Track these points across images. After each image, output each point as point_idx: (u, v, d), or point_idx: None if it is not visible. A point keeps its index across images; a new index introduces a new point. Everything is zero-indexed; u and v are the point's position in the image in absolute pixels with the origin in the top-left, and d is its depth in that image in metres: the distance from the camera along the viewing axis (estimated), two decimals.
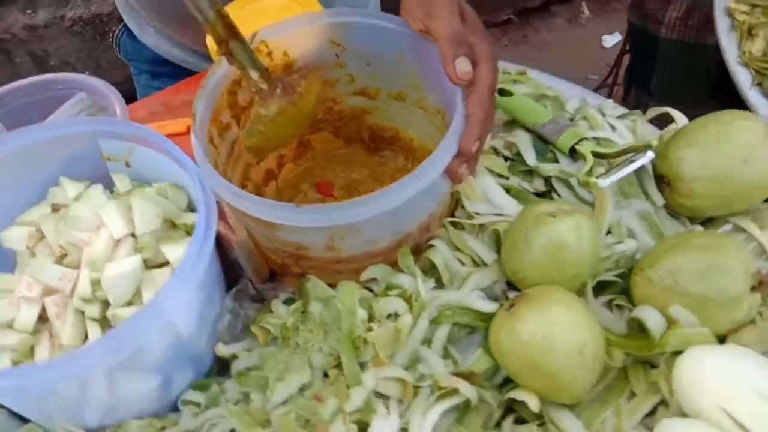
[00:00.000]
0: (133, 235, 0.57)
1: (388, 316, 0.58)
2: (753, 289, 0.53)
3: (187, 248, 0.50)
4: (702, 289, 0.52)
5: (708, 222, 0.65)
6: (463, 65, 0.55)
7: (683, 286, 0.53)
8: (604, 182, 0.61)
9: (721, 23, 0.93)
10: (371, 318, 0.58)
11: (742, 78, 0.85)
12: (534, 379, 0.52)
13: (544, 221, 0.56)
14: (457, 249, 0.63)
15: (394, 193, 0.51)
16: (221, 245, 0.62)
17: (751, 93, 0.83)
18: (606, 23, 2.57)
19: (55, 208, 0.60)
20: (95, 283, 0.54)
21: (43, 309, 0.57)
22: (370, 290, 0.61)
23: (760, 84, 0.84)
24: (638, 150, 0.63)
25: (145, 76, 1.02)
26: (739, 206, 0.62)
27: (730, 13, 0.93)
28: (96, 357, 0.46)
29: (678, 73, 1.24)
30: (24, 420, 0.57)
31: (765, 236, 0.60)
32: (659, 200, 0.63)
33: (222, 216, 0.63)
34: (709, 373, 0.44)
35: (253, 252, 0.64)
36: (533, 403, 0.51)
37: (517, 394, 0.52)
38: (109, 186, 0.61)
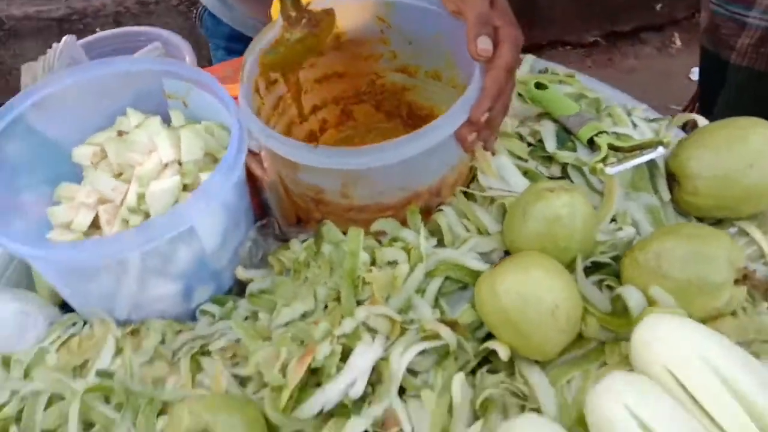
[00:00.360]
0: (179, 162, 0.66)
1: (389, 263, 0.63)
2: (737, 282, 0.55)
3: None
4: (685, 274, 0.55)
5: (716, 224, 0.66)
6: (483, 43, 0.60)
7: (666, 270, 0.55)
8: (612, 170, 0.64)
9: None
10: (373, 263, 0.63)
11: None
12: (509, 334, 0.56)
13: (542, 195, 0.60)
14: (465, 217, 0.68)
15: (400, 145, 0.57)
16: (255, 185, 0.69)
17: None
18: (697, 56, 2.51)
19: (120, 134, 0.69)
20: (141, 197, 0.63)
21: (96, 217, 0.66)
22: (378, 242, 0.67)
23: None
24: (652, 146, 0.66)
25: (222, 51, 1.13)
26: (746, 210, 0.63)
27: None
28: (130, 242, 0.54)
29: (742, 100, 1.22)
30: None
31: (765, 240, 0.61)
32: (666, 196, 0.66)
33: (259, 161, 0.71)
34: (661, 338, 0.47)
35: (282, 197, 0.71)
36: (503, 353, 0.55)
37: (491, 343, 0.56)
38: (167, 121, 0.70)
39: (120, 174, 0.67)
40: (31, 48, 2.19)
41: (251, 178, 0.69)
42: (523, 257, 0.57)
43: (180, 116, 0.69)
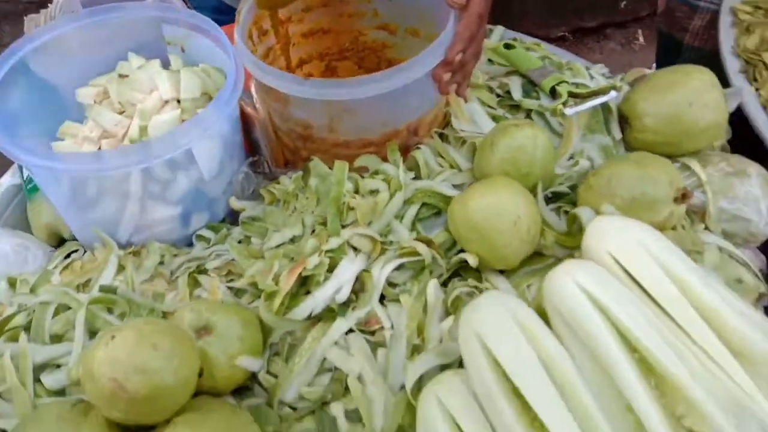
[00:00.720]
0: (178, 101, 0.72)
1: (371, 192, 0.70)
2: (677, 200, 0.63)
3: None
4: (631, 193, 0.62)
5: None
6: None
7: (615, 190, 0.63)
8: (570, 111, 0.72)
9: (724, 20, 1.01)
10: (357, 192, 0.70)
11: (732, 66, 0.93)
12: (477, 245, 0.62)
13: (508, 130, 0.68)
14: (440, 156, 0.75)
15: (384, 78, 0.63)
16: (246, 125, 0.75)
17: (736, 77, 0.91)
18: None
19: (122, 76, 0.75)
20: (143, 129, 0.69)
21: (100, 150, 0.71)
22: (361, 177, 0.73)
23: (746, 72, 0.92)
24: (606, 91, 0.74)
25: None
26: (688, 146, 0.71)
27: (734, 12, 1.02)
28: (131, 157, 0.59)
29: None
30: None
31: (704, 172, 0.69)
32: (618, 135, 0.73)
33: (250, 104, 0.77)
34: (607, 231, 0.54)
35: (272, 137, 0.77)
36: (473, 260, 0.62)
37: (462, 255, 0.63)
38: (166, 66, 0.76)
39: (122, 112, 0.73)
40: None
41: (243, 118, 0.75)
42: (491, 180, 0.64)
43: (178, 60, 0.75)
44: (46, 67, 0.75)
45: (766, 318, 0.53)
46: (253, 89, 0.77)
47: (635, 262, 0.52)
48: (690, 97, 0.69)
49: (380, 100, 0.65)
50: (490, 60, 0.88)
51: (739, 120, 0.79)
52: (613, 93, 0.72)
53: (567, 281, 0.50)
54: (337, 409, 0.56)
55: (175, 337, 0.51)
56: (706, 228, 0.67)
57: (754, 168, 0.69)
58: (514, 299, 0.51)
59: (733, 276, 0.63)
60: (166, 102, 0.70)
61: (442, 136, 0.77)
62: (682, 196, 0.63)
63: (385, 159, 0.73)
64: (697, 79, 0.70)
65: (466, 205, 0.62)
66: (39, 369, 0.61)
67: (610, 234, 0.53)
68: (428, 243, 0.65)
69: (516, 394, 0.46)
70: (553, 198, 0.70)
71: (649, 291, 0.50)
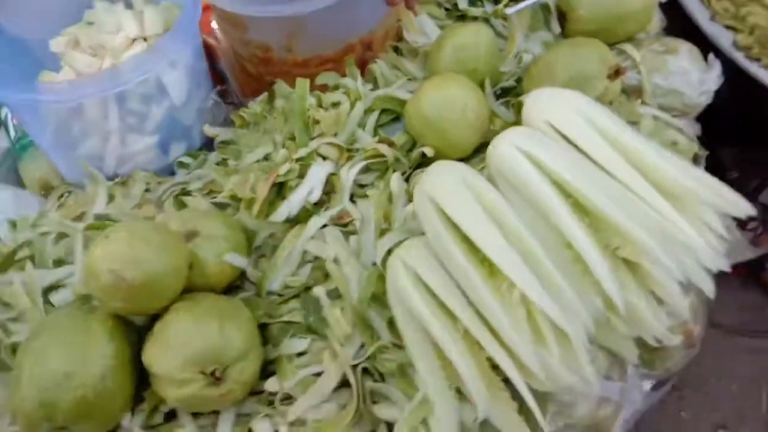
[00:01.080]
0: (144, 39, 0.76)
1: (333, 104, 0.75)
2: (610, 77, 0.68)
3: None
4: (567, 73, 0.68)
5: None
6: None
7: (553, 73, 0.69)
8: (510, 10, 0.77)
9: None
10: (321, 106, 0.75)
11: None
12: (432, 137, 0.68)
13: (453, 30, 0.73)
14: (396, 68, 0.80)
15: None
16: (211, 54, 0.80)
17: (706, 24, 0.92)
18: None
19: (89, 23, 0.79)
20: (113, 66, 0.73)
21: None
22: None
23: (713, 17, 0.93)
24: None
25: None
26: (623, 32, 0.76)
27: None
28: (105, 82, 0.64)
29: None
30: None
31: (638, 53, 0.74)
32: (557, 29, 0.79)
33: (214, 37, 0.82)
34: (543, 100, 0.59)
35: (236, 68, 0.82)
36: (429, 151, 0.68)
37: (419, 149, 0.69)
38: (130, 7, 0.80)
39: (94, 56, 0.77)
40: None
41: (207, 50, 0.80)
42: (439, 77, 0.70)
43: (140, 1, 0.79)
44: (17, 24, 0.79)
45: (690, 164, 0.59)
46: (214, 22, 0.81)
47: (566, 123, 0.58)
48: None
49: (331, 13, 0.69)
50: None
51: (671, 6, 0.84)
52: None
53: (506, 144, 0.56)
54: (319, 290, 0.62)
55: (163, 234, 0.56)
56: (644, 103, 0.73)
57: (684, 45, 0.75)
58: (462, 165, 0.57)
59: (669, 140, 0.69)
60: (134, 41, 0.75)
61: (397, 50, 0.82)
62: (615, 72, 0.68)
63: (344, 75, 0.78)
64: None
65: (418, 102, 0.68)
66: (46, 292, 0.66)
67: (544, 102, 0.59)
68: (390, 144, 0.71)
69: (466, 241, 0.52)
70: (502, 94, 0.76)
71: (582, 147, 0.56)
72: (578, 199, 0.53)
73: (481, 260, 0.51)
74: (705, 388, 1.57)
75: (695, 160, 0.71)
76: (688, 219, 0.55)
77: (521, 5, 0.77)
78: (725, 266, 0.56)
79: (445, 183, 0.54)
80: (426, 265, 0.54)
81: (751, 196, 1.44)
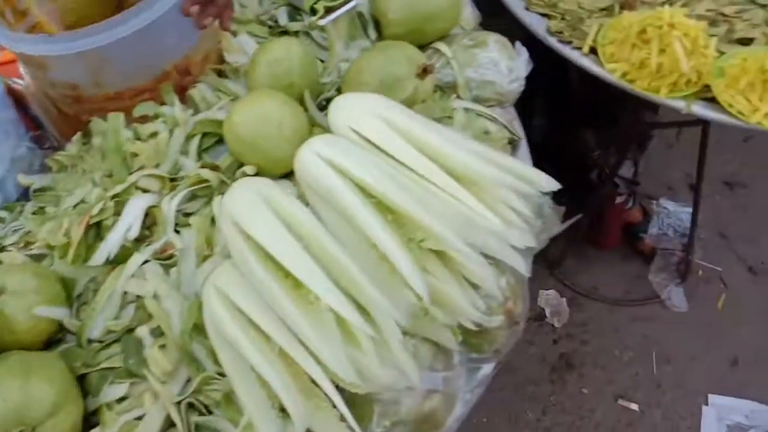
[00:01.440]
0: None
1: (151, 135, 0.72)
2: (419, 75, 0.70)
3: None
4: (377, 76, 0.69)
5: None
6: None
7: (364, 77, 0.69)
8: (323, 21, 0.77)
9: None
10: (138, 138, 0.72)
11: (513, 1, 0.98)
12: (251, 155, 0.67)
13: (264, 46, 0.73)
14: (219, 90, 0.79)
15: (125, 20, 0.66)
16: (20, 100, 0.76)
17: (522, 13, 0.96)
18: None
19: None
20: None
21: None
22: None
23: (528, 6, 0.97)
24: None
25: None
26: (434, 31, 0.78)
27: None
28: None
29: None
30: None
31: (450, 50, 0.77)
32: (374, 35, 0.80)
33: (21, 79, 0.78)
34: (343, 106, 0.60)
35: (52, 110, 0.78)
36: (250, 169, 0.67)
37: (242, 169, 0.68)
38: None
39: None
40: None
41: (15, 96, 0.76)
42: (254, 93, 0.69)
43: None
44: None
45: (497, 151, 0.61)
46: (21, 68, 0.77)
47: (367, 126, 0.58)
48: None
49: (134, 43, 0.67)
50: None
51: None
52: None
53: (309, 154, 0.56)
54: (142, 330, 0.59)
55: None
56: (459, 97, 0.75)
57: (491, 36, 0.78)
58: (262, 180, 0.56)
59: (481, 129, 0.71)
60: None
61: (220, 72, 0.80)
62: (423, 71, 0.70)
63: (163, 104, 0.76)
64: None
65: (231, 122, 0.67)
66: None
67: (346, 108, 0.60)
68: (214, 168, 0.69)
69: (269, 256, 0.51)
70: (326, 105, 0.75)
71: (383, 148, 0.57)
72: (380, 199, 0.53)
73: (285, 274, 0.50)
74: (601, 362, 1.63)
75: (512, 144, 0.73)
76: (490, 204, 0.56)
77: (332, 15, 0.78)
78: (533, 243, 0.58)
79: (243, 200, 0.53)
80: (237, 287, 0.53)
81: (612, 171, 1.53)
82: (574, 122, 1.63)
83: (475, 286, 0.55)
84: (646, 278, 1.73)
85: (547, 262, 1.78)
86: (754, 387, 1.54)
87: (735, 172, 1.94)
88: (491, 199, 0.57)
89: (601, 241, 1.76)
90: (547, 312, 1.71)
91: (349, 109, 0.59)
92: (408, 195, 0.53)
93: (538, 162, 1.96)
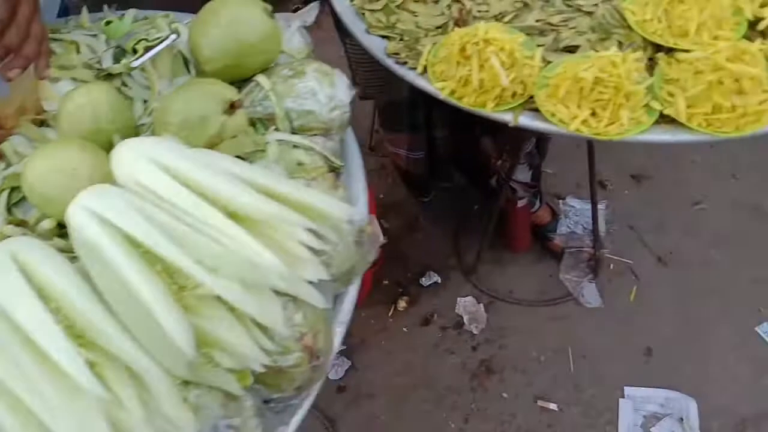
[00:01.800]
0: None
1: None
2: (227, 111, 0.69)
3: None
4: (181, 116, 0.68)
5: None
6: None
7: (168, 117, 0.68)
8: (135, 63, 0.76)
9: None
10: None
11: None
12: (47, 207, 0.65)
13: (67, 95, 0.71)
14: (37, 141, 0.76)
15: None
16: None
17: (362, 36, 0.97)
18: None
19: None
20: None
21: None
22: None
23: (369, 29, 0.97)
24: (166, 36, 0.79)
25: None
26: (254, 64, 0.77)
27: None
28: None
29: None
30: None
31: (269, 82, 0.76)
32: (194, 72, 0.79)
33: None
34: (119, 153, 0.58)
35: None
36: (49, 223, 0.65)
37: (41, 223, 0.66)
38: None
39: None
40: None
41: None
42: (49, 144, 0.67)
43: None
44: None
45: (293, 186, 0.60)
46: None
47: (143, 173, 0.56)
48: (231, 17, 0.75)
49: None
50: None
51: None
52: (173, 35, 0.77)
53: (75, 208, 0.54)
54: None
55: None
56: (277, 129, 0.74)
57: (311, 65, 0.77)
58: (24, 239, 0.54)
59: (294, 161, 0.70)
60: None
61: (43, 123, 0.78)
62: (231, 106, 0.69)
63: None
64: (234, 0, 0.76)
65: (24, 174, 0.65)
66: None
67: (122, 156, 0.58)
68: (20, 223, 0.67)
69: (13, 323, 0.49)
70: None
71: (158, 193, 0.56)
72: (146, 249, 0.52)
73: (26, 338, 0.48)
74: (520, 365, 1.64)
75: (335, 172, 0.73)
76: (279, 240, 0.56)
77: (145, 56, 0.76)
78: (325, 276, 0.58)
79: None
80: None
81: (507, 176, 1.54)
82: (474, 131, 1.64)
83: (263, 327, 0.54)
84: (558, 277, 1.75)
85: (463, 269, 1.79)
86: (668, 375, 1.56)
87: (641, 165, 1.98)
88: (278, 235, 0.56)
89: (513, 245, 1.78)
90: (465, 319, 1.71)
91: (124, 157, 0.58)
92: (176, 243, 0.52)
93: (449, 172, 1.97)
